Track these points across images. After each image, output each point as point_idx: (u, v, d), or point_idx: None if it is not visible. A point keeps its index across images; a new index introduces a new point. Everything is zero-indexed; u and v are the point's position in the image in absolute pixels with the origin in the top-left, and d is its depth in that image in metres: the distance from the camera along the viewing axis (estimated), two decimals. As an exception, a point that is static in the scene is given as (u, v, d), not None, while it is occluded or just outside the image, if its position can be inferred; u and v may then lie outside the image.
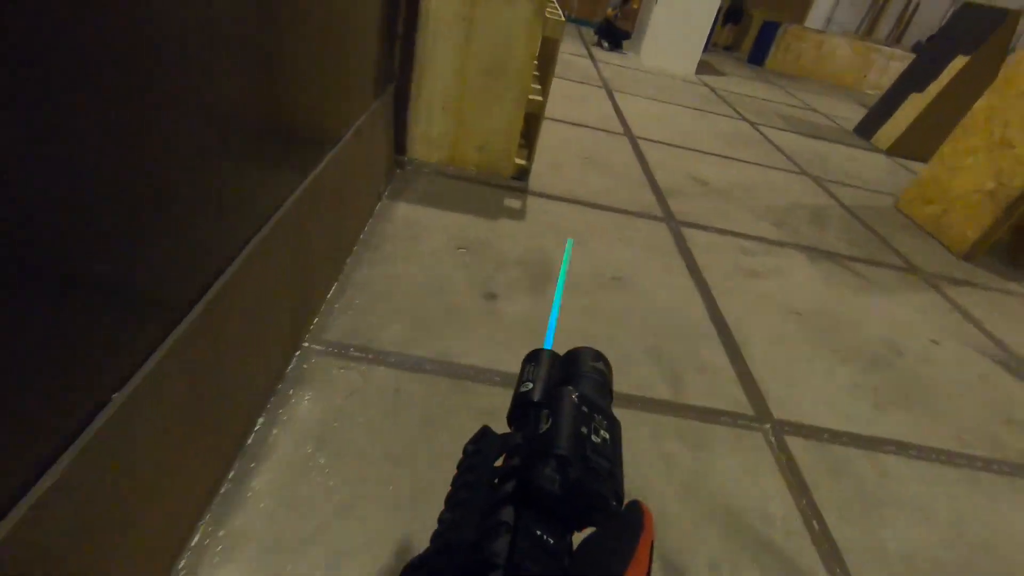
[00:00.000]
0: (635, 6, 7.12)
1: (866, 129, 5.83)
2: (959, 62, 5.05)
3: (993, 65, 5.01)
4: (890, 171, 4.82)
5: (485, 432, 0.41)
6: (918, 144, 5.34)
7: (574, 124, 3.88)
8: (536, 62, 2.90)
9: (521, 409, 0.41)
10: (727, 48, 10.08)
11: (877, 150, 5.46)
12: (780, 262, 2.62)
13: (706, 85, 6.54)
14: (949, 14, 12.05)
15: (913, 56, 9.48)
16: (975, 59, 4.97)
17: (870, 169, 4.71)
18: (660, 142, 3.95)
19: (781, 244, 2.82)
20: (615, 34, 7.15)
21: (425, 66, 2.46)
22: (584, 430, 0.35)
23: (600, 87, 5.14)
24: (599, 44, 7.23)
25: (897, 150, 5.39)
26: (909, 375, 2.04)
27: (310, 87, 1.36)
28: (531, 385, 0.42)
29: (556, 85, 4.76)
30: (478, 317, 1.76)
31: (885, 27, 12.21)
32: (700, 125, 4.69)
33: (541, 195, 2.69)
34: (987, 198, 3.19)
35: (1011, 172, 3.10)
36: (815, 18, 10.45)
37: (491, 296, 1.87)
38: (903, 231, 3.44)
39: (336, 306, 1.65)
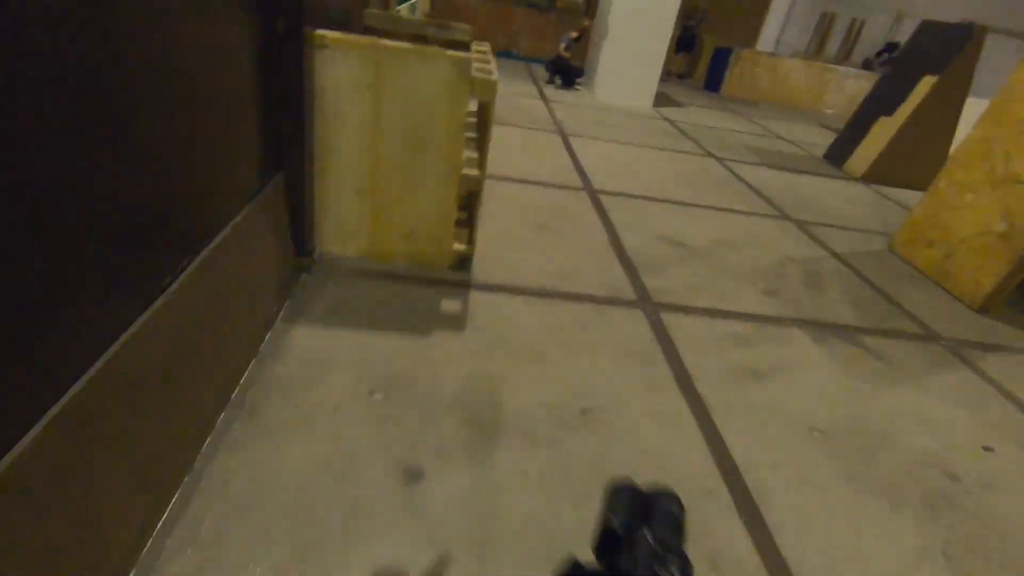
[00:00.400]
0: (582, 30, 6.81)
1: (836, 155, 5.55)
2: (927, 82, 4.80)
3: (963, 83, 4.78)
4: (872, 203, 4.48)
5: (575, 564, 0.47)
6: (893, 170, 5.05)
7: (526, 181, 3.42)
8: (475, 121, 2.44)
9: (604, 543, 0.46)
10: (681, 76, 9.91)
11: (851, 178, 5.15)
12: (784, 351, 2.15)
13: (666, 119, 6.22)
14: (893, 30, 12.23)
15: (865, 73, 9.46)
16: (944, 78, 4.72)
17: (851, 202, 4.36)
18: (625, 194, 3.51)
19: (779, 321, 2.36)
20: (568, 71, 6.82)
21: (326, 146, 1.96)
22: (658, 569, 0.41)
23: (554, 132, 4.72)
24: (551, 81, 6.89)
25: (872, 177, 5.08)
26: (978, 514, 1.56)
27: (122, 214, 0.83)
28: (613, 519, 0.46)
29: (506, 133, 4.32)
30: (394, 516, 1.22)
31: (833, 46, 12.31)
32: (666, 167, 4.29)
33: (487, 287, 2.18)
34: (998, 241, 2.81)
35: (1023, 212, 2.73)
36: (764, 41, 10.40)
37: (415, 474, 1.33)
38: (906, 281, 3.03)
39: (169, 541, 1.09)
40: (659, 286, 2.45)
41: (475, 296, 2.11)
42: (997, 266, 2.77)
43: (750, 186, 4.22)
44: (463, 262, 2.27)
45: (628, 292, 2.35)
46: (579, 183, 3.57)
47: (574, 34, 6.76)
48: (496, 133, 4.31)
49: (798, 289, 2.68)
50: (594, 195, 3.40)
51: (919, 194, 5.09)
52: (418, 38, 2.87)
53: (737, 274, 2.71)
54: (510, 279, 2.27)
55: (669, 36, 6.44)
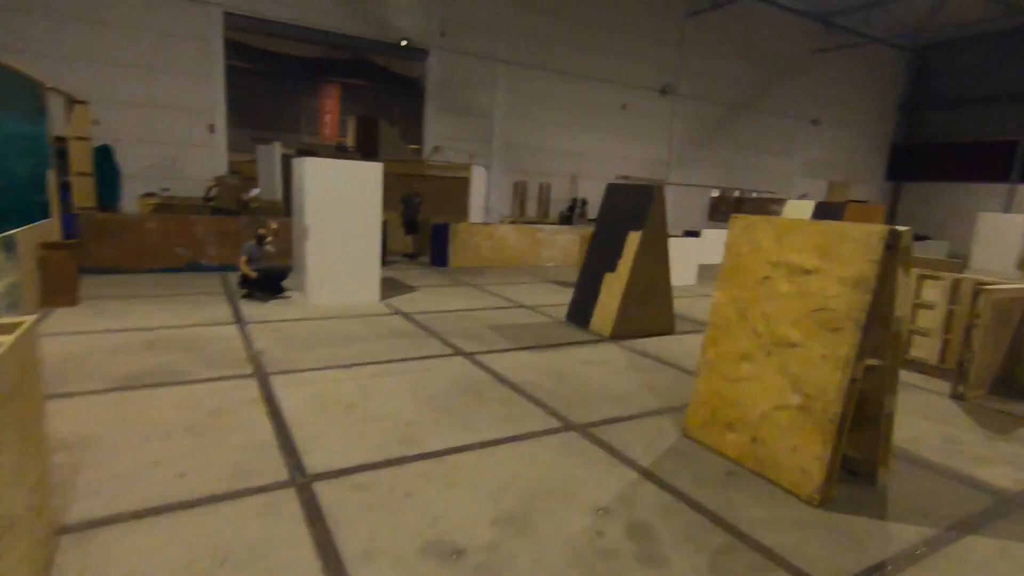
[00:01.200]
0: (266, 233, 5.65)
1: (577, 315, 5.37)
2: (634, 237, 4.95)
3: (662, 231, 5.04)
4: (634, 366, 4.13)
5: None
6: (636, 322, 4.98)
7: (181, 506, 2.02)
8: None
9: None
10: (413, 256, 9.65)
11: (602, 338, 4.91)
12: None
13: (398, 312, 5.44)
14: (573, 188, 14.33)
15: (567, 227, 10.50)
16: (646, 231, 4.91)
17: (615, 374, 3.93)
18: (359, 468, 2.36)
19: None
20: (265, 280, 5.59)
21: None
22: None
23: (248, 375, 3.42)
24: (250, 296, 5.60)
25: (620, 332, 4.92)
26: None
27: None
28: None
29: (156, 405, 2.70)
30: None
31: (532, 207, 13.84)
32: (411, 392, 3.30)
33: None
34: (800, 415, 2.39)
35: (814, 380, 2.37)
36: (475, 212, 11.00)
37: None
38: (732, 486, 2.42)
39: None
40: None
41: None
42: (813, 446, 2.32)
43: (514, 387, 3.47)
44: None
45: None
46: (281, 472, 2.30)
47: (253, 241, 5.61)
48: (143, 404, 2.60)
49: (639, 578, 1.78)
50: (306, 491, 2.16)
51: (664, 339, 5.14)
52: None
53: (552, 589, 1.70)
54: None
55: (379, 224, 5.89)
